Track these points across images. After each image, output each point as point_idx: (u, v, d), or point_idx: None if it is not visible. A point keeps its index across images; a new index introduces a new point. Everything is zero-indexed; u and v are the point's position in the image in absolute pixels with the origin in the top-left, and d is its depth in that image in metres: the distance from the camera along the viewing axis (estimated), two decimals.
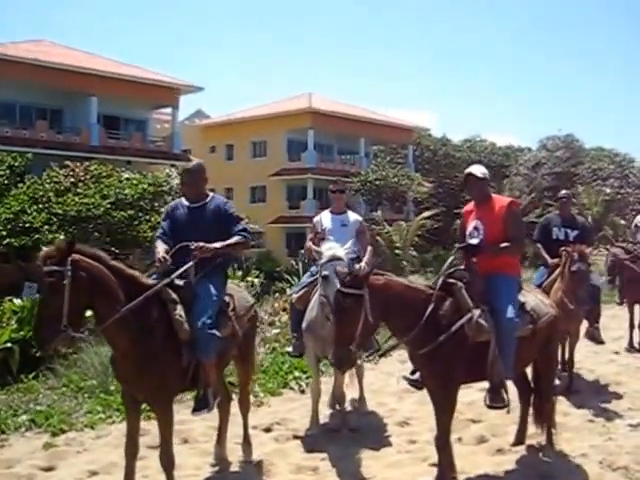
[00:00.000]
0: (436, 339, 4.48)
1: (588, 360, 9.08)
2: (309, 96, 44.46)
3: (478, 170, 5.14)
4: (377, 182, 37.81)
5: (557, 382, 7.70)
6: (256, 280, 13.77)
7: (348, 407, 6.94)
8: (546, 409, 5.58)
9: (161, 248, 4.74)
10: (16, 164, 25.00)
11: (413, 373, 5.03)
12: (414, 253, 22.95)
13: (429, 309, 4.52)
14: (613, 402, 7.14)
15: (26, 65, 30.57)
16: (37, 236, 21.38)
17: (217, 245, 4.69)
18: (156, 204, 25.73)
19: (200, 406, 4.66)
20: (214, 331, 4.55)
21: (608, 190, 32.99)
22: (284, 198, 43.57)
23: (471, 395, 6.43)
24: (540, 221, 8.54)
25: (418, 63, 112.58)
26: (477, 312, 4.59)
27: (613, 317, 11.24)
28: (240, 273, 14.63)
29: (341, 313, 4.37)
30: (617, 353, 9.76)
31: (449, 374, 4.61)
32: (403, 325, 4.55)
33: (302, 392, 7.54)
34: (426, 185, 36.08)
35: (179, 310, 4.46)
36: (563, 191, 8.62)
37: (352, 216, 6.71)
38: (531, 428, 5.76)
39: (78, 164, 25.03)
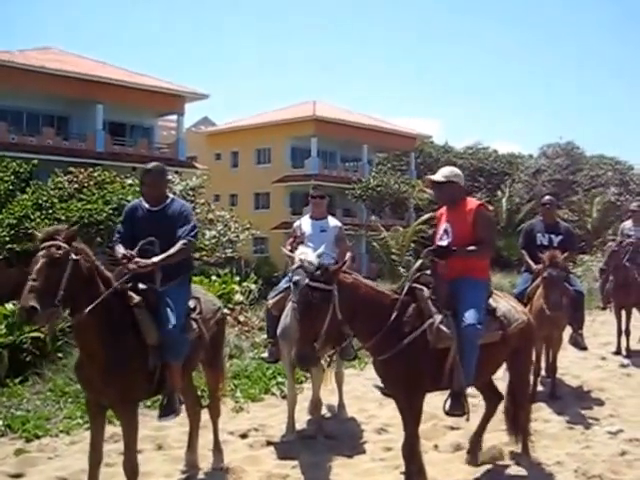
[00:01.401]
0: (397, 345, 4.43)
1: (574, 366, 9.07)
2: (313, 104, 44.67)
3: (440, 174, 5.10)
4: (378, 189, 37.85)
5: (541, 388, 7.80)
6: (253, 285, 13.75)
7: (328, 414, 6.95)
8: (521, 417, 5.50)
9: (122, 250, 4.69)
10: (21, 170, 25.19)
11: None
12: (411, 259, 22.88)
13: (393, 315, 4.47)
14: (595, 409, 7.11)
15: (34, 73, 30.88)
16: None
17: (155, 260, 4.61)
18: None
19: (167, 411, 4.64)
20: (183, 334, 4.57)
21: (612, 198, 32.85)
22: (287, 204, 43.66)
23: None
24: (524, 227, 8.53)
25: (422, 72, 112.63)
26: (438, 318, 4.56)
27: (603, 323, 11.21)
28: (238, 278, 14.66)
29: (307, 308, 4.26)
30: (604, 359, 9.74)
31: (411, 382, 4.55)
32: (366, 329, 4.50)
33: (284, 398, 7.48)
34: (428, 192, 36.01)
35: (145, 313, 4.47)
36: (546, 197, 8.62)
37: (332, 222, 6.73)
38: (506, 436, 5.72)
39: (82, 170, 25.15)
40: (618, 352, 10.03)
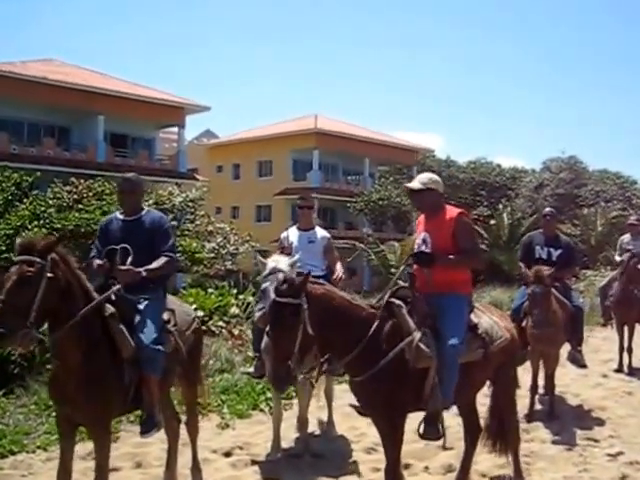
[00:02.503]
0: (374, 365, 4.15)
1: (575, 384, 8.82)
2: (314, 117, 44.67)
3: (417, 181, 4.84)
4: (380, 202, 37.66)
5: (539, 407, 7.56)
6: (251, 298, 13.53)
7: (317, 431, 6.71)
8: (509, 439, 5.22)
9: (102, 262, 4.58)
10: (22, 181, 25.11)
11: None
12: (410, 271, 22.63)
13: (370, 331, 4.20)
14: (595, 429, 6.86)
15: (35, 84, 30.88)
16: None
17: (143, 272, 4.51)
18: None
19: (148, 427, 4.44)
20: (159, 347, 4.37)
21: (614, 213, 32.65)
22: (289, 217, 43.47)
23: (445, 420, 6.17)
24: (523, 239, 8.30)
25: (424, 87, 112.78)
26: (417, 335, 4.31)
27: (605, 339, 10.95)
28: (235, 291, 14.45)
29: (277, 326, 3.98)
30: (605, 376, 9.48)
31: (391, 404, 4.25)
32: (340, 344, 4.20)
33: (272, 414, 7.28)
34: None
35: (120, 326, 4.28)
36: (547, 208, 8.41)
37: (320, 232, 6.52)
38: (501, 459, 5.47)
39: (82, 181, 25.05)
40: (620, 370, 9.78)
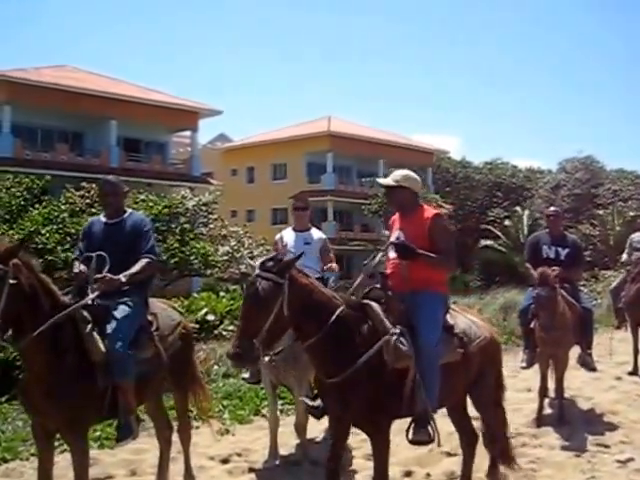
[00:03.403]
0: (350, 366, 3.97)
1: (587, 387, 8.58)
2: (328, 119, 44.60)
3: (391, 177, 4.66)
4: None
5: (548, 411, 7.35)
6: None
7: (319, 437, 6.55)
8: (503, 446, 5.00)
9: (78, 268, 4.49)
10: (34, 186, 25.23)
11: (315, 398, 4.49)
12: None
13: (331, 318, 4.01)
14: (606, 434, 6.62)
15: (48, 90, 31.10)
16: (50, 257, 21.34)
17: (122, 278, 4.42)
18: (172, 225, 25.75)
19: (123, 434, 4.32)
20: (130, 352, 4.25)
21: (632, 213, 32.17)
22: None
23: (451, 425, 5.99)
24: (528, 239, 8.09)
25: (440, 89, 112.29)
26: (395, 335, 4.13)
27: (621, 341, 10.67)
28: None
29: (253, 300, 3.80)
30: (619, 379, 9.22)
31: (370, 407, 4.04)
32: (309, 336, 4.01)
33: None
34: (445, 207, 35.64)
35: (92, 330, 4.16)
36: (551, 208, 8.22)
37: (316, 234, 6.37)
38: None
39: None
40: (634, 372, 9.52)
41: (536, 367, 7.34)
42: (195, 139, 38.59)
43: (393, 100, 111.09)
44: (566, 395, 7.44)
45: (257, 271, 3.87)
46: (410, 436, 4.22)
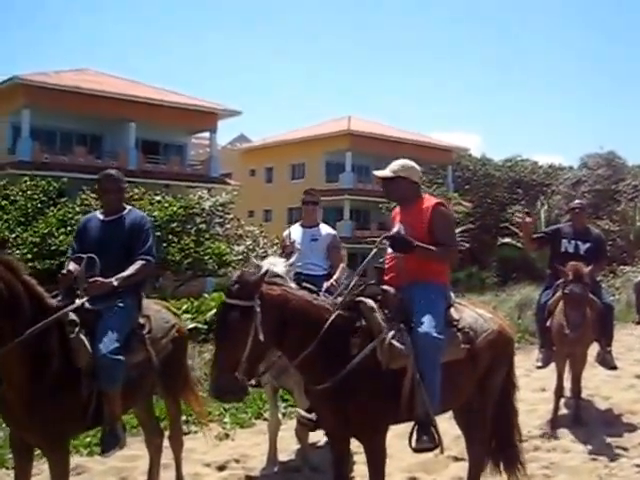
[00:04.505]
0: (341, 370, 3.69)
1: (605, 386, 8.23)
2: (348, 118, 44.33)
3: (388, 168, 4.37)
4: None
5: (565, 411, 7.02)
6: None
7: (321, 441, 6.27)
8: (510, 454, 4.64)
9: (72, 266, 4.28)
10: (50, 189, 25.29)
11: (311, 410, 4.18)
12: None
13: (323, 327, 3.71)
14: (625, 436, 6.32)
15: (68, 93, 31.20)
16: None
17: (115, 282, 4.20)
18: (188, 226, 25.67)
19: (109, 444, 4.07)
20: (119, 357, 3.99)
21: None
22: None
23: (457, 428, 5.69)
24: (548, 229, 7.72)
25: (461, 86, 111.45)
26: (390, 332, 3.83)
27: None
28: None
29: (225, 330, 3.52)
30: (639, 377, 8.84)
31: (364, 412, 3.75)
32: (300, 351, 3.70)
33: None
34: (465, 204, 35.20)
35: (79, 333, 3.92)
36: (576, 201, 7.90)
37: (324, 229, 6.13)
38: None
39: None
40: None
41: (551, 366, 7.03)
42: (214, 140, 38.46)
43: (412, 99, 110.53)
44: (583, 395, 7.12)
45: (224, 298, 3.61)
46: (413, 444, 3.90)
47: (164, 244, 23.76)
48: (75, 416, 3.90)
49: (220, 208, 28.00)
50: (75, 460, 5.30)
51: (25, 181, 25.40)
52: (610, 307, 7.24)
